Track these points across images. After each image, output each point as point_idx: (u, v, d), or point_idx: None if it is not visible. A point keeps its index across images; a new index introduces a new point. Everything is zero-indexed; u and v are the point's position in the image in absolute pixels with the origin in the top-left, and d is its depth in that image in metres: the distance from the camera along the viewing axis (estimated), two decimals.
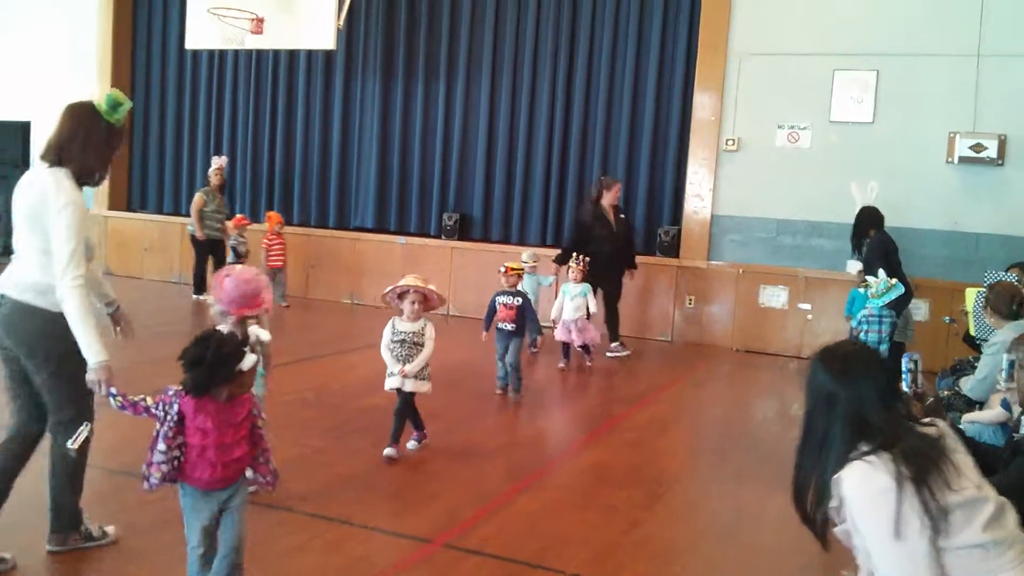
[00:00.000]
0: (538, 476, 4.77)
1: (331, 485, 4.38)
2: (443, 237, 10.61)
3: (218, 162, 10.74)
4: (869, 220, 7.55)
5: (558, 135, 10.27)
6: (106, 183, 12.17)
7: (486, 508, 4.23)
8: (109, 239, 12.33)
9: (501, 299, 6.55)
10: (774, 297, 9.02)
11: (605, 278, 8.15)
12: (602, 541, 3.93)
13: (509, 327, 6.47)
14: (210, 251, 10.39)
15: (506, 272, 6.57)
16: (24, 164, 13.55)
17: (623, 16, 9.92)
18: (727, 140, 9.17)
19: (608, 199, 8.26)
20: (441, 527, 3.94)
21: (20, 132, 13.42)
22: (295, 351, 8.04)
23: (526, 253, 8.28)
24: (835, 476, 2.30)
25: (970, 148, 8.26)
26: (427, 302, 4.97)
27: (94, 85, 12.30)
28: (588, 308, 7.60)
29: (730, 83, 9.19)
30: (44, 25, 12.61)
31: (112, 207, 12.39)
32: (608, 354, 8.18)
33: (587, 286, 7.59)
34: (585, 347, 7.68)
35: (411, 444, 5.07)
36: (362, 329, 9.35)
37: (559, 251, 8.40)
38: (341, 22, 9.70)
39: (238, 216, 10.69)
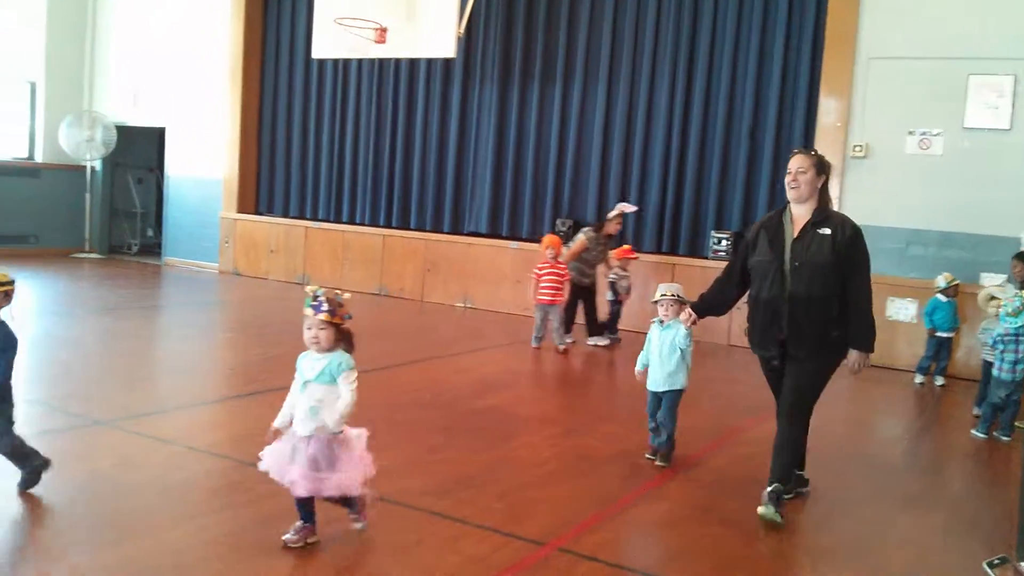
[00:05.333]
0: (655, 485, 4.70)
1: (446, 483, 4.43)
2: None
3: (622, 208, 8.99)
4: None
5: (676, 139, 10.14)
6: (236, 187, 12.82)
7: (601, 514, 4.19)
8: (238, 241, 12.86)
9: None
10: (902, 310, 8.66)
11: (774, 349, 4.34)
12: (722, 554, 3.83)
13: None
14: (577, 296, 8.85)
15: None
16: (159, 168, 14.32)
17: (746, 17, 9.73)
18: (855, 146, 8.86)
19: (796, 194, 4.29)
20: (555, 531, 3.92)
21: (156, 138, 14.17)
22: (411, 353, 8.20)
23: (665, 286, 5.04)
24: None
25: None
26: None
27: (226, 94, 12.88)
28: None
29: (858, 87, 8.88)
30: (178, 36, 13.27)
31: (241, 210, 12.92)
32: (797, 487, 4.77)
33: (339, 358, 3.49)
34: (346, 501, 3.64)
35: None
36: (475, 333, 9.46)
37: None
38: (461, 30, 9.84)
39: (623, 247, 9.09)
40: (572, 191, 10.85)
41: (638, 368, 5.10)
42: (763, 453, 5.49)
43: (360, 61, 11.87)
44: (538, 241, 10.75)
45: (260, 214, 13.05)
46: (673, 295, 4.93)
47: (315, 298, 3.48)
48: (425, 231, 11.68)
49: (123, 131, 13.80)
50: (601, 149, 10.59)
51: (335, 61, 12.05)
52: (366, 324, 9.88)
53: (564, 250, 8.65)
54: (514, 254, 10.72)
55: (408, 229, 11.82)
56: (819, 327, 4.17)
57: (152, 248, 14.64)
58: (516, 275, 10.62)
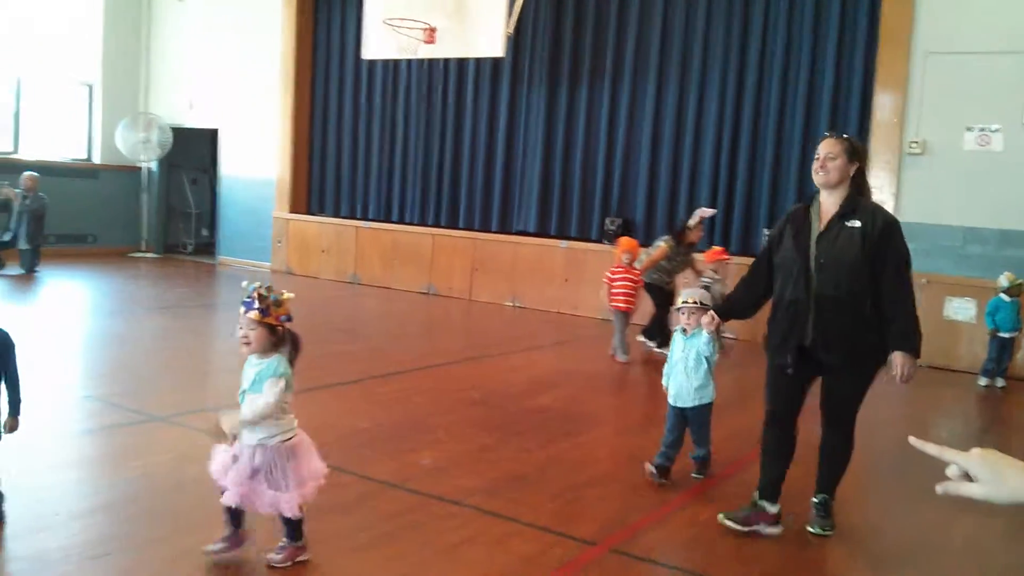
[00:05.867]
0: (706, 487, 4.65)
1: (498, 482, 4.43)
2: (604, 241, 10.57)
3: (702, 214, 8.26)
4: None
5: (727, 136, 10.03)
6: (288, 187, 12.97)
7: (652, 515, 4.17)
8: (290, 241, 13.03)
9: None
10: (961, 310, 8.46)
11: (790, 356, 3.90)
12: (774, 557, 3.78)
13: None
14: (659, 300, 8.22)
15: None
16: (213, 169, 14.56)
17: (798, 11, 9.59)
18: (911, 143, 8.69)
19: (823, 179, 3.85)
20: (607, 531, 3.90)
21: (210, 139, 14.41)
22: (461, 351, 8.23)
23: (688, 292, 4.73)
24: None
25: None
26: None
27: (278, 95, 13.05)
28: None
29: (914, 82, 8.70)
30: (232, 39, 13.47)
31: (293, 210, 13.08)
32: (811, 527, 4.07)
33: (273, 364, 3.23)
34: (285, 521, 3.30)
35: None
36: (524, 332, 9.46)
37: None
38: (511, 29, 9.84)
39: (714, 249, 8.53)
40: (621, 190, 10.79)
41: (664, 382, 4.68)
42: (813, 456, 5.41)
43: (409, 61, 11.93)
44: (588, 240, 10.78)
45: (312, 214, 13.21)
46: (695, 301, 4.52)
47: (248, 295, 3.19)
48: (474, 230, 11.71)
49: (178, 133, 14.06)
50: (651, 147, 10.52)
51: (385, 62, 12.14)
52: (415, 322, 9.97)
53: (642, 254, 8.17)
54: (563, 253, 10.70)
55: (457, 228, 11.86)
56: (850, 330, 3.75)
57: (207, 247, 14.89)
58: (565, 274, 10.60)
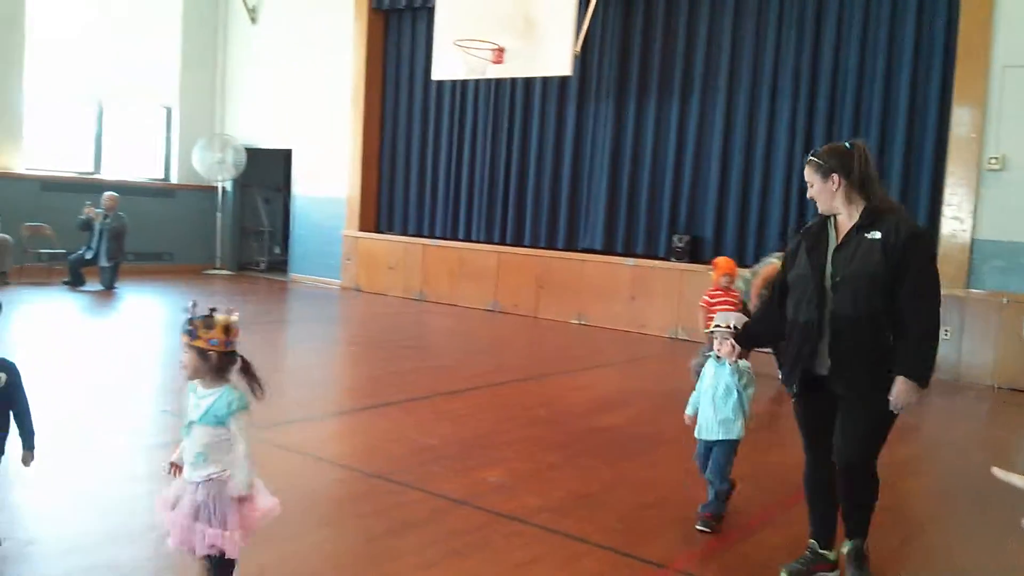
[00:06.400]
0: (778, 512, 4.55)
1: (565, 501, 4.40)
2: (672, 259, 10.46)
3: None
4: None
5: (799, 152, 9.84)
6: (358, 206, 13.14)
7: (722, 539, 4.09)
8: (359, 258, 13.22)
9: None
10: None
11: (798, 384, 3.54)
12: None
13: None
14: None
15: None
16: (286, 188, 14.86)
17: (872, 25, 9.39)
18: (990, 158, 8.42)
19: (820, 209, 3.61)
20: (675, 553, 3.84)
21: (283, 159, 14.73)
22: (526, 369, 8.22)
23: (722, 315, 4.20)
24: None
25: None
26: None
27: (349, 116, 13.29)
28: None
29: (993, 96, 8.43)
30: (303, 62, 13.77)
31: (362, 228, 13.28)
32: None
33: (227, 396, 2.95)
34: (222, 567, 2.94)
35: None
36: (589, 350, 9.41)
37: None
38: (578, 48, 9.86)
39: None
40: (689, 207, 10.68)
41: (688, 411, 4.30)
42: (892, 479, 5.23)
43: (477, 81, 12.03)
44: (655, 258, 10.68)
45: (380, 232, 13.39)
46: (729, 326, 4.02)
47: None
48: (539, 248, 11.72)
49: (252, 153, 14.40)
50: (720, 164, 10.39)
51: (453, 82, 12.26)
52: (481, 339, 10.00)
53: (746, 273, 7.72)
54: (630, 271, 10.63)
55: (522, 246, 11.89)
56: (869, 356, 3.31)
57: (279, 265, 15.17)
58: (631, 292, 10.53)
